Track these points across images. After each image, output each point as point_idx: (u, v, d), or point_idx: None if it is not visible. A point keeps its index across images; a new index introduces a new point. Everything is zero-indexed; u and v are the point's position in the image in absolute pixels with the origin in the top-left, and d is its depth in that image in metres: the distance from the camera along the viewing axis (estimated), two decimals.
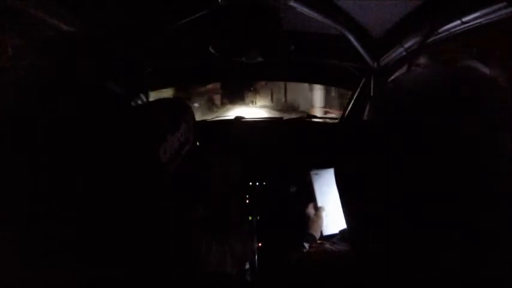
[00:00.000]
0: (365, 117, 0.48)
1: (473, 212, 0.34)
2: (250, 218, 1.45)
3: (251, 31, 1.04)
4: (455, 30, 0.83)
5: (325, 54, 1.34)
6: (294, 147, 1.59)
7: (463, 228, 0.34)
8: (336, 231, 1.05)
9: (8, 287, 0.41)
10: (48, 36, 0.67)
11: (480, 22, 0.75)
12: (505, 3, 0.67)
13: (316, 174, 1.13)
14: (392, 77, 0.99)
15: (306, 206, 1.12)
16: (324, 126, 1.81)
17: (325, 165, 1.14)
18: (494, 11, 0.70)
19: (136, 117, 0.71)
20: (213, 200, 1.42)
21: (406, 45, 1.02)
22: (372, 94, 1.34)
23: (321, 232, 1.05)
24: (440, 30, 0.86)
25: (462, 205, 0.34)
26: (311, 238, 1.01)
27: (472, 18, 0.76)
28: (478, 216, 0.34)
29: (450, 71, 0.43)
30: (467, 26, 0.79)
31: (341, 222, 1.06)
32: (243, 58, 1.15)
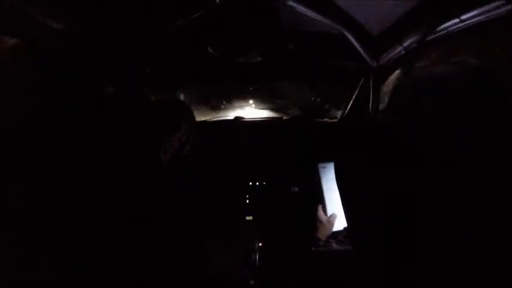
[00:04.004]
0: (379, 116, 0.48)
1: (474, 212, 0.34)
2: (251, 218, 1.45)
3: (250, 31, 1.04)
4: (454, 29, 0.83)
5: (324, 54, 1.34)
6: (293, 146, 1.59)
7: (463, 228, 0.34)
8: (343, 226, 1.04)
9: (8, 287, 0.41)
10: (48, 36, 0.67)
11: (479, 20, 0.75)
12: (504, 1, 0.67)
13: (324, 167, 1.12)
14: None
15: (313, 207, 1.10)
16: (323, 125, 1.81)
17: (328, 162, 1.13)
18: (493, 9, 0.70)
19: (137, 117, 0.71)
20: (214, 200, 1.42)
21: (405, 44, 1.02)
22: (372, 93, 1.34)
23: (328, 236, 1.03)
24: (439, 28, 0.86)
25: (463, 205, 0.34)
26: (317, 241, 1.00)
27: (470, 16, 0.76)
28: (478, 217, 0.34)
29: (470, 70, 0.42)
30: (466, 24, 0.79)
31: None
32: (242, 58, 1.15)
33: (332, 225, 1.03)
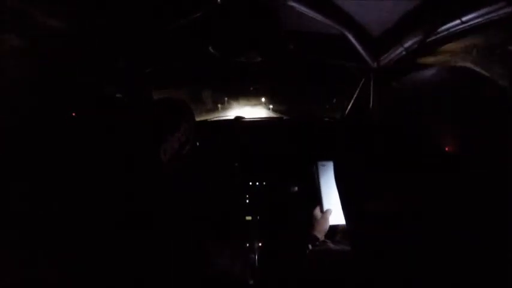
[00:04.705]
0: (370, 116, 0.48)
1: (474, 212, 0.34)
2: (251, 218, 1.45)
3: (250, 31, 1.04)
4: (455, 30, 0.83)
5: (324, 54, 1.34)
6: (294, 146, 1.60)
7: (463, 228, 0.34)
8: (339, 222, 1.04)
9: (8, 287, 0.41)
10: (48, 36, 0.67)
11: (480, 21, 0.75)
12: (504, 3, 0.67)
13: (323, 165, 1.12)
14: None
15: (311, 206, 1.11)
16: (323, 125, 1.81)
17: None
18: (493, 11, 0.70)
19: (137, 117, 0.71)
20: (214, 200, 1.42)
21: (406, 45, 1.02)
22: (371, 94, 1.34)
23: (325, 234, 1.04)
24: (440, 29, 0.86)
25: (463, 205, 0.34)
26: (314, 239, 1.00)
27: (471, 18, 0.76)
28: (478, 217, 0.34)
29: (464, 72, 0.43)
30: (467, 25, 0.79)
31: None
32: (242, 58, 1.15)
33: (327, 221, 1.04)
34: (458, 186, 0.35)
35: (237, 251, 0.89)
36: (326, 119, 1.87)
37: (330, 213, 1.05)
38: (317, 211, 1.07)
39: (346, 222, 0.54)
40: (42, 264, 0.43)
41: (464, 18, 0.77)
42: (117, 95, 0.94)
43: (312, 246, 0.97)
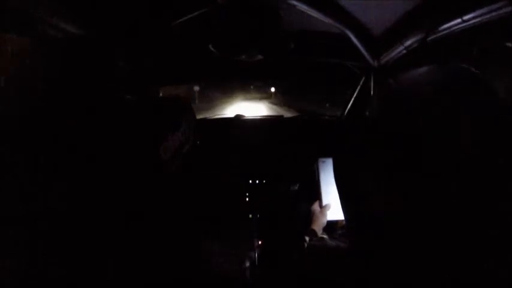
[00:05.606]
0: (370, 114, 0.48)
1: (474, 213, 0.34)
2: (251, 216, 1.46)
3: (251, 29, 1.04)
4: (456, 29, 0.83)
5: (325, 53, 1.34)
6: (294, 145, 1.60)
7: (463, 229, 0.35)
8: (339, 218, 1.05)
9: (7, 286, 0.42)
10: (49, 36, 0.67)
11: (481, 20, 0.75)
12: (505, 2, 0.66)
13: (323, 162, 1.14)
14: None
15: (310, 203, 1.12)
16: (324, 124, 1.82)
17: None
18: (495, 10, 0.70)
19: (137, 116, 0.71)
20: (214, 199, 1.42)
21: (407, 44, 1.02)
22: (372, 92, 1.34)
23: (323, 228, 1.05)
24: (441, 28, 0.86)
25: (463, 207, 0.34)
26: (312, 233, 1.01)
27: (472, 17, 0.75)
28: (479, 218, 0.34)
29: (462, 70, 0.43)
30: (468, 24, 0.79)
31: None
32: (243, 56, 1.15)
33: (325, 216, 1.05)
34: (457, 186, 0.35)
35: (237, 250, 0.89)
36: (326, 117, 1.87)
37: (329, 208, 1.06)
38: (316, 206, 1.09)
39: (345, 220, 0.55)
40: (43, 264, 0.43)
41: (465, 17, 0.77)
42: (118, 94, 0.94)
43: (309, 239, 0.98)
